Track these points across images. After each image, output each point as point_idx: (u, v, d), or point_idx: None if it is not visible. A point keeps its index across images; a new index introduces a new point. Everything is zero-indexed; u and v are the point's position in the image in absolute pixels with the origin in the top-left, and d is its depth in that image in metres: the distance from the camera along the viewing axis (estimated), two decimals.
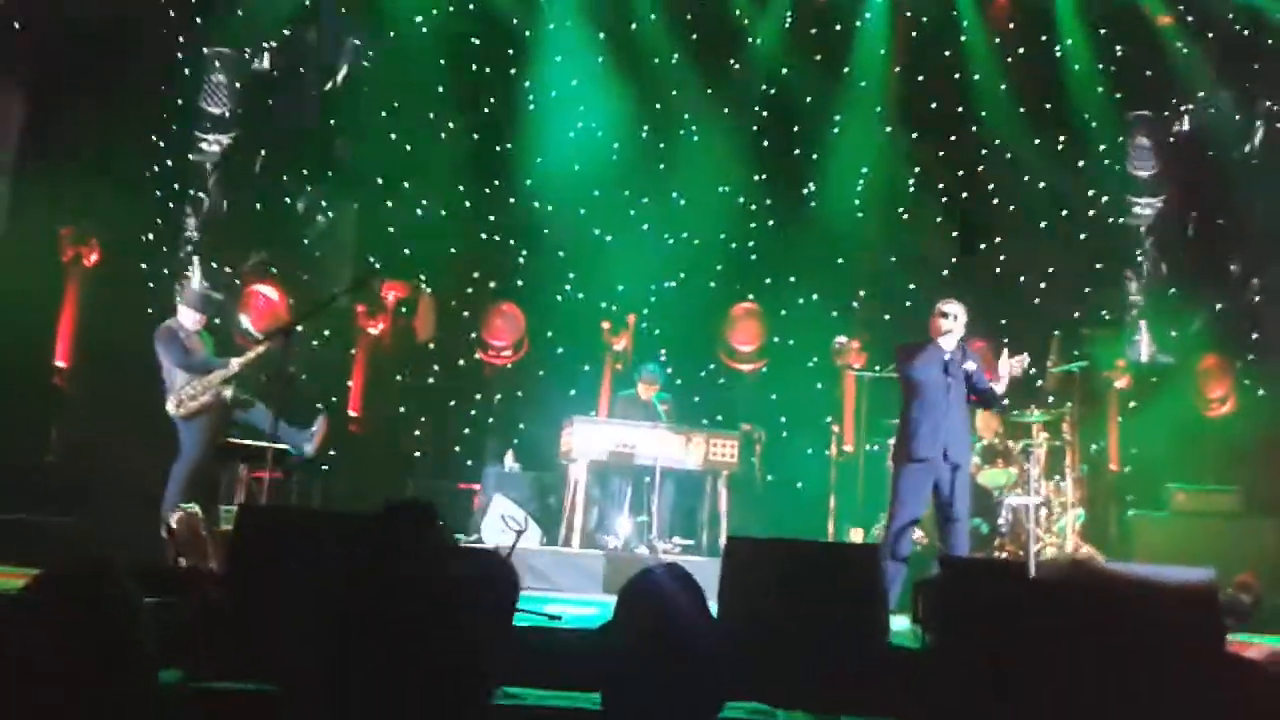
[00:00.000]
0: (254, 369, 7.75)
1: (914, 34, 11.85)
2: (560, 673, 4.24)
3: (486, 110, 11.60)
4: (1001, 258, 11.56)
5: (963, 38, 11.79)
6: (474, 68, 11.57)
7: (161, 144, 10.58)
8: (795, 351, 11.38)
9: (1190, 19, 11.36)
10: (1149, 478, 10.00)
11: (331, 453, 10.27)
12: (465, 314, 11.48)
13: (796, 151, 11.86)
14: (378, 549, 2.42)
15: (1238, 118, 11.33)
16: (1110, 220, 11.66)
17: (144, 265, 10.41)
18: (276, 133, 11.00)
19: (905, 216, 11.60)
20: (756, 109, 11.89)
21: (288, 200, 11.16)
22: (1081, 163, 11.60)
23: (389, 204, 11.26)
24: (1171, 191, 11.53)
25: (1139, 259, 11.62)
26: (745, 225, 11.67)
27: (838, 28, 11.95)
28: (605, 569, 7.74)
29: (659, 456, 8.57)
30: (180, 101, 10.72)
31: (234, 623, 4.38)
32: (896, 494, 6.54)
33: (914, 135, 11.70)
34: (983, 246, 11.38)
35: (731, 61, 11.97)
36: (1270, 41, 11.09)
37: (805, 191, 11.80)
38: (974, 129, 11.70)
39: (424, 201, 11.27)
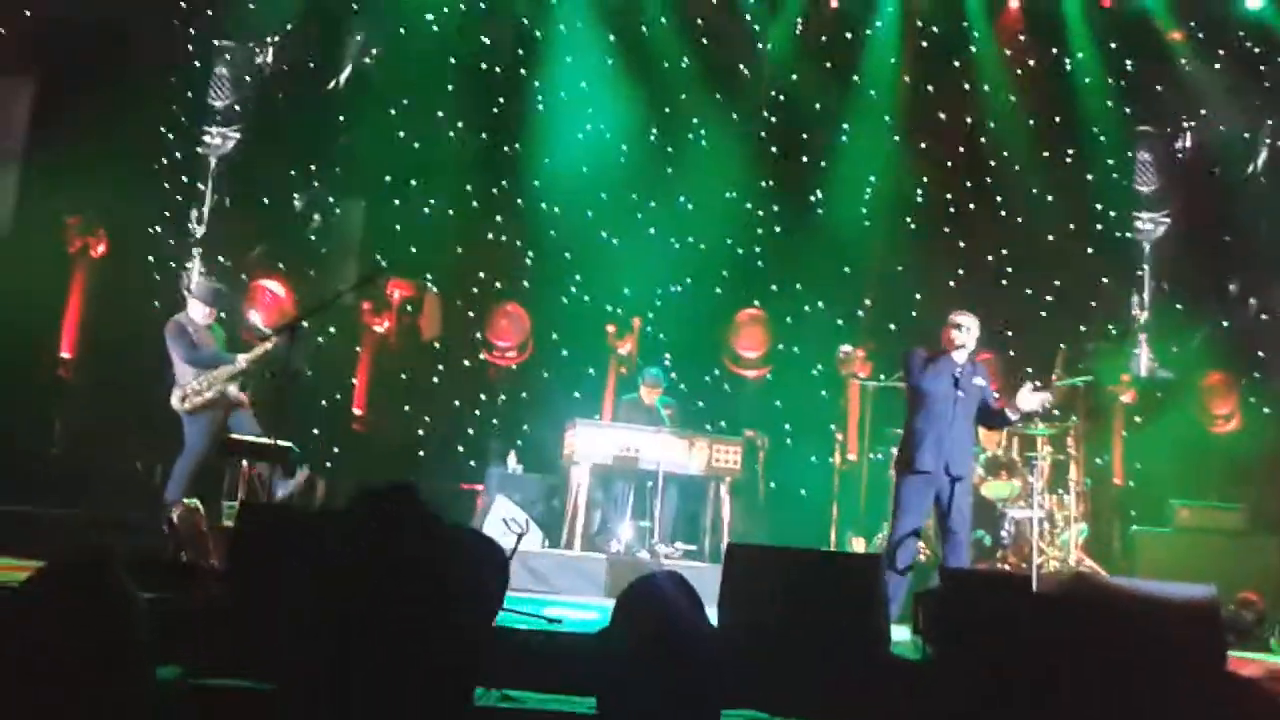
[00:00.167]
0: (261, 365, 7.75)
1: (924, 44, 11.84)
2: (559, 677, 4.24)
3: (495, 110, 11.60)
4: (1008, 269, 11.55)
5: (973, 49, 11.77)
6: (484, 67, 11.58)
7: (170, 136, 10.59)
8: (800, 359, 11.36)
9: (1201, 35, 11.35)
10: (1153, 493, 9.97)
11: (335, 450, 10.27)
12: (470, 314, 11.47)
13: (804, 158, 11.84)
14: (361, 532, 2.42)
15: (1246, 135, 11.32)
16: (1117, 235, 11.64)
17: (151, 258, 10.42)
18: (283, 128, 11.00)
19: (912, 226, 11.58)
20: (765, 115, 11.88)
21: (295, 196, 11.16)
22: (1090, 177, 11.59)
23: (396, 202, 11.26)
24: (1176, 207, 11.52)
25: (1144, 274, 11.61)
26: (752, 231, 11.66)
27: (848, 36, 11.94)
28: (606, 573, 7.72)
29: (662, 461, 8.56)
30: (189, 94, 10.74)
31: (233, 619, 4.38)
32: (898, 504, 6.52)
33: (922, 145, 11.69)
34: (989, 259, 11.39)
35: (741, 67, 11.96)
36: None
37: (812, 199, 11.77)
38: (982, 140, 11.69)
39: (431, 201, 11.27)
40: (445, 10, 11.38)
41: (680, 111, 11.74)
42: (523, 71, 11.67)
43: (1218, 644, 4.99)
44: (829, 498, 9.60)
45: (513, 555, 5.57)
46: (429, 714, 2.36)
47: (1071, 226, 11.46)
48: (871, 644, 4.99)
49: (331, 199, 11.28)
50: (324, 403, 10.59)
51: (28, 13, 9.93)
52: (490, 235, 11.54)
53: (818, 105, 11.82)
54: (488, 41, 11.67)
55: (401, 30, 11.37)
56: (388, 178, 11.34)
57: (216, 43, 10.83)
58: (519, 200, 11.55)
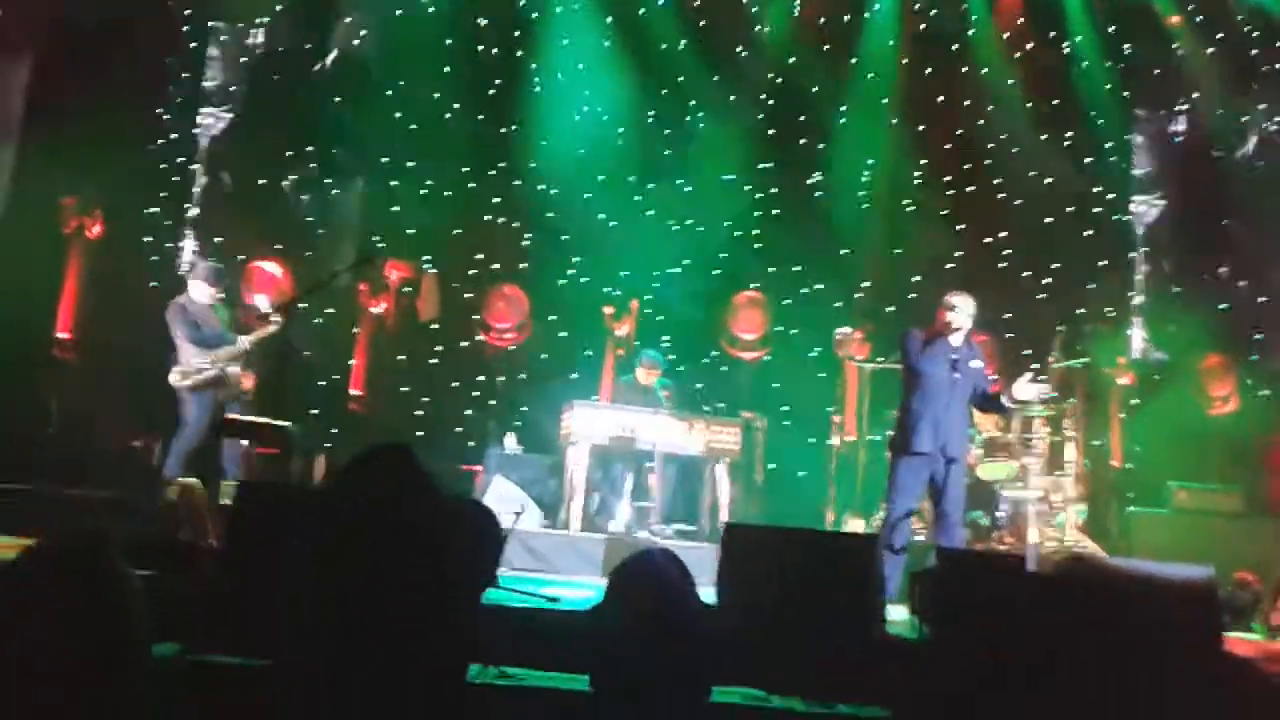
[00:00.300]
0: (263, 347, 7.74)
1: (923, 26, 11.82)
2: (555, 654, 4.25)
3: (493, 92, 11.56)
4: (1006, 252, 11.55)
5: (971, 31, 11.76)
6: (481, 48, 11.54)
7: (165, 117, 10.56)
8: (797, 341, 11.37)
9: (1200, 19, 11.33)
10: (1151, 475, 9.98)
11: (333, 431, 10.28)
12: (468, 295, 11.47)
13: (803, 141, 11.82)
14: (358, 491, 2.41)
15: (1244, 119, 11.32)
16: (1115, 217, 11.64)
17: (146, 239, 10.40)
18: (279, 109, 10.97)
19: (910, 208, 11.57)
20: (763, 97, 11.85)
21: (292, 178, 11.14)
22: (1087, 160, 11.58)
23: (394, 184, 11.24)
24: (1172, 190, 11.52)
25: (1142, 256, 11.62)
26: (750, 213, 11.64)
27: (846, 18, 11.92)
28: (604, 553, 7.73)
29: (659, 442, 8.56)
30: (185, 75, 10.70)
31: (231, 598, 4.38)
32: (894, 485, 6.51)
33: (920, 128, 11.66)
34: (987, 241, 11.39)
35: (739, 49, 11.93)
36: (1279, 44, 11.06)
37: (810, 181, 11.77)
38: (981, 123, 11.68)
39: (429, 182, 11.24)
40: None
41: (678, 93, 11.73)
42: (520, 53, 11.64)
43: (1214, 624, 5.00)
44: (826, 479, 9.62)
45: (509, 535, 5.59)
46: (426, 690, 2.36)
47: (1069, 209, 11.46)
48: (868, 623, 5.00)
49: (329, 180, 11.25)
50: (322, 383, 10.58)
51: None
52: (488, 217, 11.53)
53: (816, 87, 11.80)
54: (484, 23, 11.63)
55: (398, 11, 11.33)
56: (385, 159, 11.32)
57: (211, 24, 10.79)
58: (517, 182, 11.53)
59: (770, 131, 11.81)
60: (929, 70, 11.78)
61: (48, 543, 2.37)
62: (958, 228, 11.45)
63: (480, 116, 11.47)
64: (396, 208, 11.13)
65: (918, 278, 10.89)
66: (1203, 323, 10.77)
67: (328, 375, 10.67)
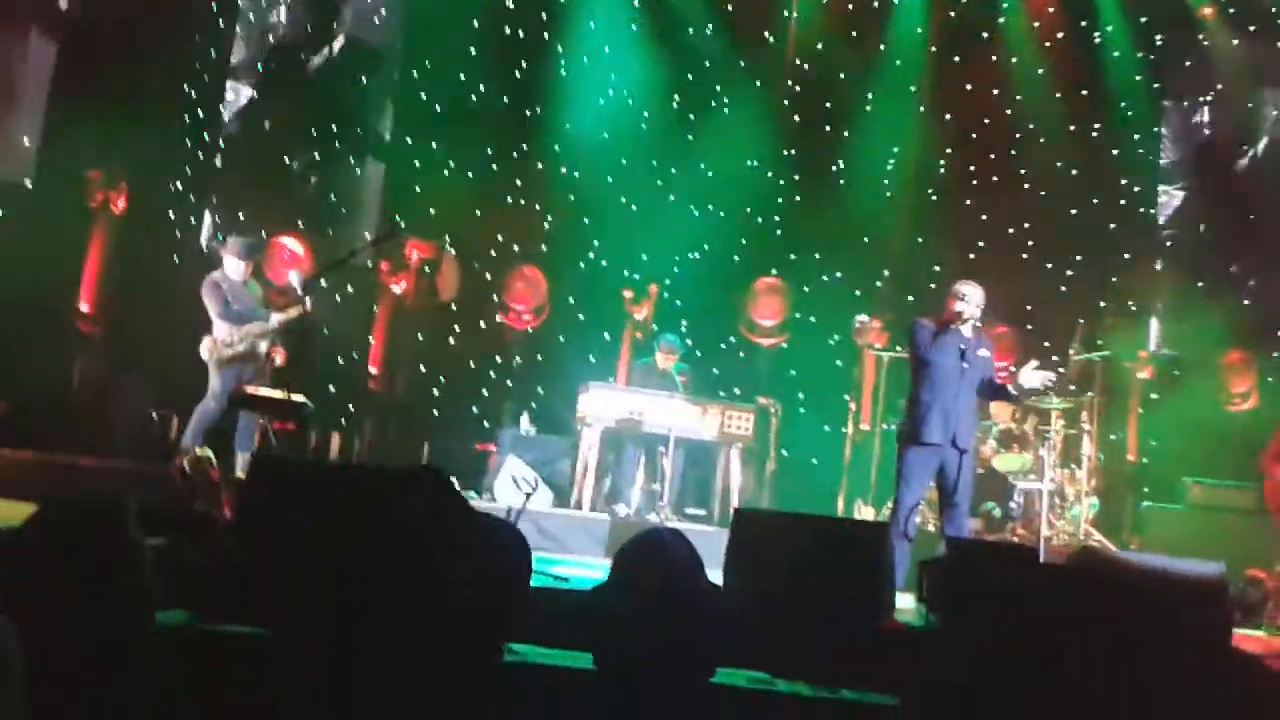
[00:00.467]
0: (292, 324, 7.78)
1: (951, 14, 11.73)
2: (562, 632, 4.27)
3: (517, 74, 11.56)
4: (1029, 243, 11.48)
5: (1001, 20, 11.67)
6: (507, 30, 11.53)
7: (193, 93, 10.61)
8: (816, 328, 11.35)
9: (1232, 10, 11.20)
10: (1166, 470, 9.92)
11: (350, 408, 10.34)
12: (488, 276, 11.49)
13: (827, 128, 11.79)
14: (391, 515, 2.42)
15: (1276, 112, 11.21)
16: (1140, 210, 11.56)
17: (170, 213, 10.46)
18: (303, 86, 11.01)
19: (934, 197, 11.51)
20: (789, 83, 11.81)
21: (315, 155, 11.18)
22: (1115, 151, 11.49)
23: (416, 164, 11.26)
24: (1197, 182, 11.42)
25: (1165, 249, 11.53)
26: (772, 200, 11.63)
27: (874, 4, 11.86)
28: (612, 535, 7.76)
29: (673, 426, 8.57)
30: (211, 51, 10.74)
31: (242, 569, 4.42)
32: (902, 475, 6.47)
33: (947, 116, 11.59)
34: (1010, 232, 11.32)
35: (765, 34, 11.88)
36: None
37: (834, 168, 11.72)
38: (1008, 112, 11.60)
39: (451, 163, 11.26)
40: None
41: (703, 78, 11.70)
42: (545, 35, 11.62)
43: (1224, 621, 4.99)
44: (840, 466, 9.62)
45: (520, 514, 5.61)
46: (432, 673, 2.38)
47: (1095, 201, 11.38)
48: (877, 610, 5.00)
49: (352, 158, 11.29)
50: (340, 360, 10.64)
51: None
52: (509, 198, 11.53)
53: (842, 74, 11.74)
54: (511, 4, 11.61)
55: None
56: (408, 139, 11.34)
57: (240, 2, 10.83)
58: (539, 164, 11.52)
59: (795, 118, 11.78)
60: (957, 58, 11.70)
61: (61, 507, 2.39)
62: (981, 218, 11.39)
63: (505, 98, 11.46)
64: (418, 187, 11.15)
65: (939, 267, 10.85)
66: (1225, 318, 10.68)
67: (346, 352, 10.72)
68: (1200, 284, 11.17)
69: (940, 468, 6.37)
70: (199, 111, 10.71)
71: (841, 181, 11.70)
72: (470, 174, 11.28)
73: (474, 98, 11.35)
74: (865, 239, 11.45)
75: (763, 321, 11.62)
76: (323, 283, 7.76)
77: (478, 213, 11.33)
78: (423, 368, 11.12)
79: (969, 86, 11.64)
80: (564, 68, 11.57)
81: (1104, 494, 9.16)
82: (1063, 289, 11.32)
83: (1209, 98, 11.46)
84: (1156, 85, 11.53)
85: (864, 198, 11.48)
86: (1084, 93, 11.53)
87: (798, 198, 11.61)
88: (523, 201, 11.59)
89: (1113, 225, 11.42)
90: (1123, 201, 11.49)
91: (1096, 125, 11.55)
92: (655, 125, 11.57)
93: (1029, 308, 11.01)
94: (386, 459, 9.71)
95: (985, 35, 11.70)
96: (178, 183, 10.48)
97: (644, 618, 2.64)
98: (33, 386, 8.85)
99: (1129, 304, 11.28)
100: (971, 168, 11.54)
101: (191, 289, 8.11)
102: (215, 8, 10.76)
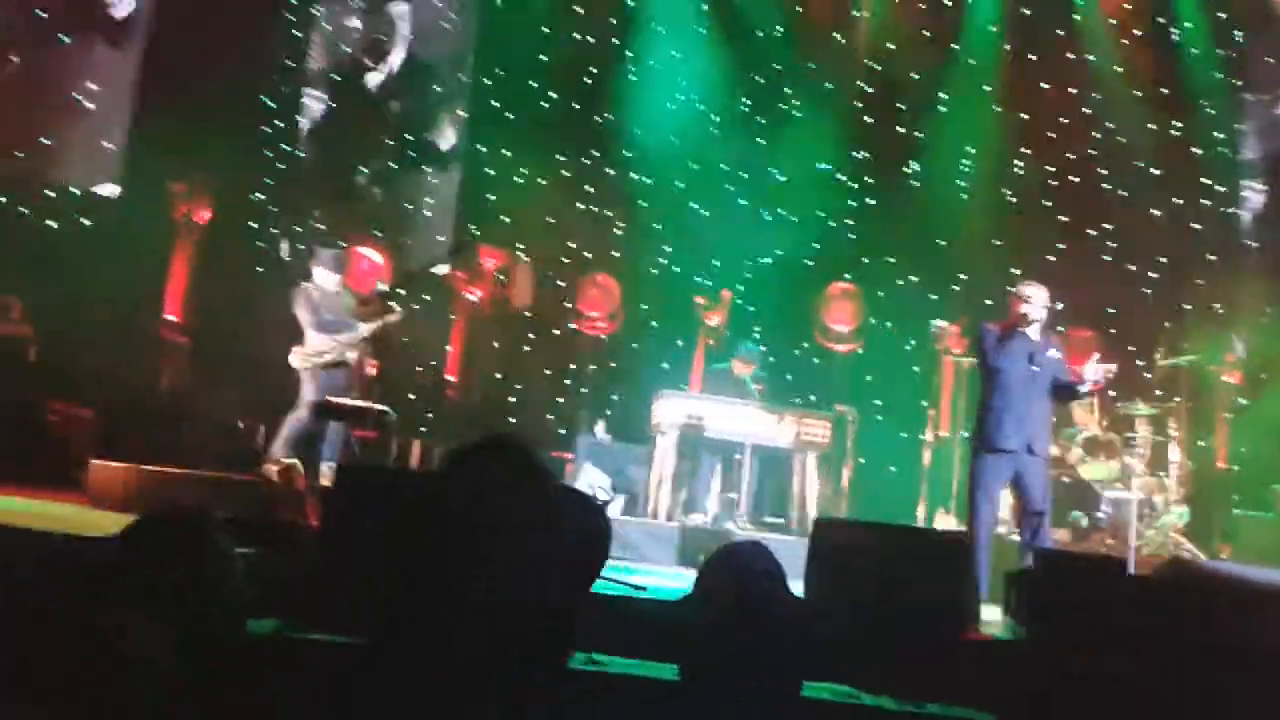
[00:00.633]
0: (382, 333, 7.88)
1: (1026, 11, 11.53)
2: (643, 642, 4.27)
3: (587, 80, 11.61)
4: (1110, 245, 11.23)
5: (1076, 17, 11.45)
6: (576, 37, 11.59)
7: (271, 104, 10.82)
8: (892, 334, 11.22)
9: None
10: (1257, 477, 9.63)
11: (429, 415, 10.46)
12: (561, 284, 11.55)
13: (900, 129, 11.64)
14: (470, 484, 2.42)
15: None
16: (1223, 210, 11.25)
17: (252, 224, 10.67)
18: (369, 99, 11.19)
19: (1011, 199, 11.32)
20: (860, 84, 11.70)
21: (388, 165, 11.34)
22: (1197, 150, 11.20)
23: (490, 172, 11.36)
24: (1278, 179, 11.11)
25: (1251, 249, 11.22)
26: (844, 203, 11.52)
27: (947, 2, 11.70)
28: (691, 543, 7.73)
29: (749, 434, 8.52)
30: (289, 62, 10.95)
31: (328, 578, 4.48)
32: (976, 484, 6.33)
33: (1023, 116, 11.40)
34: (1091, 233, 11.09)
35: (836, 35, 11.79)
36: None
37: (908, 170, 11.58)
38: (1086, 111, 11.36)
39: (524, 170, 11.34)
40: None
41: (772, 81, 11.63)
42: (615, 41, 11.65)
43: None
44: (919, 474, 9.48)
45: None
46: (520, 677, 2.37)
47: (1176, 201, 11.10)
48: (962, 623, 4.93)
49: (426, 167, 11.43)
50: (419, 369, 10.76)
51: None
52: (581, 205, 11.58)
53: (914, 74, 11.60)
54: (580, 10, 11.67)
55: (498, 1, 11.44)
56: (481, 148, 11.44)
57: (314, 11, 11.03)
58: (610, 170, 11.57)
59: (867, 119, 11.66)
60: (1032, 57, 11.49)
61: (151, 518, 2.43)
62: (1060, 219, 11.17)
63: (575, 105, 11.52)
64: (492, 196, 11.24)
65: (1017, 271, 10.65)
66: None
67: (425, 361, 10.84)
68: None
69: (1016, 475, 6.25)
70: (277, 122, 10.92)
71: (915, 184, 11.55)
72: (542, 181, 11.35)
73: (544, 105, 11.43)
74: (940, 242, 11.29)
75: (837, 327, 11.51)
76: (401, 292, 7.84)
77: (550, 220, 11.40)
78: (498, 376, 11.21)
79: (1045, 85, 11.43)
80: (633, 73, 11.60)
81: (1193, 502, 8.92)
82: (1145, 292, 11.05)
83: None
84: (1237, 82, 11.21)
85: (938, 200, 11.32)
86: (1163, 91, 11.26)
87: (870, 201, 11.50)
88: (594, 208, 11.64)
89: (1196, 226, 11.12)
90: (1205, 201, 11.20)
91: (1176, 124, 11.27)
92: (725, 129, 11.54)
93: (1111, 311, 10.77)
94: None
95: (1060, 33, 11.48)
96: (258, 193, 10.70)
97: (731, 630, 2.61)
98: (120, 396, 9.07)
99: (1213, 306, 10.97)
100: (1049, 168, 11.32)
101: (274, 298, 8.25)
102: (293, 18, 10.97)
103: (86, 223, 10.19)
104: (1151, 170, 11.12)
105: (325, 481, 6.69)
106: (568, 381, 11.38)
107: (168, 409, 9.34)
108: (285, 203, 10.88)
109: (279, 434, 7.55)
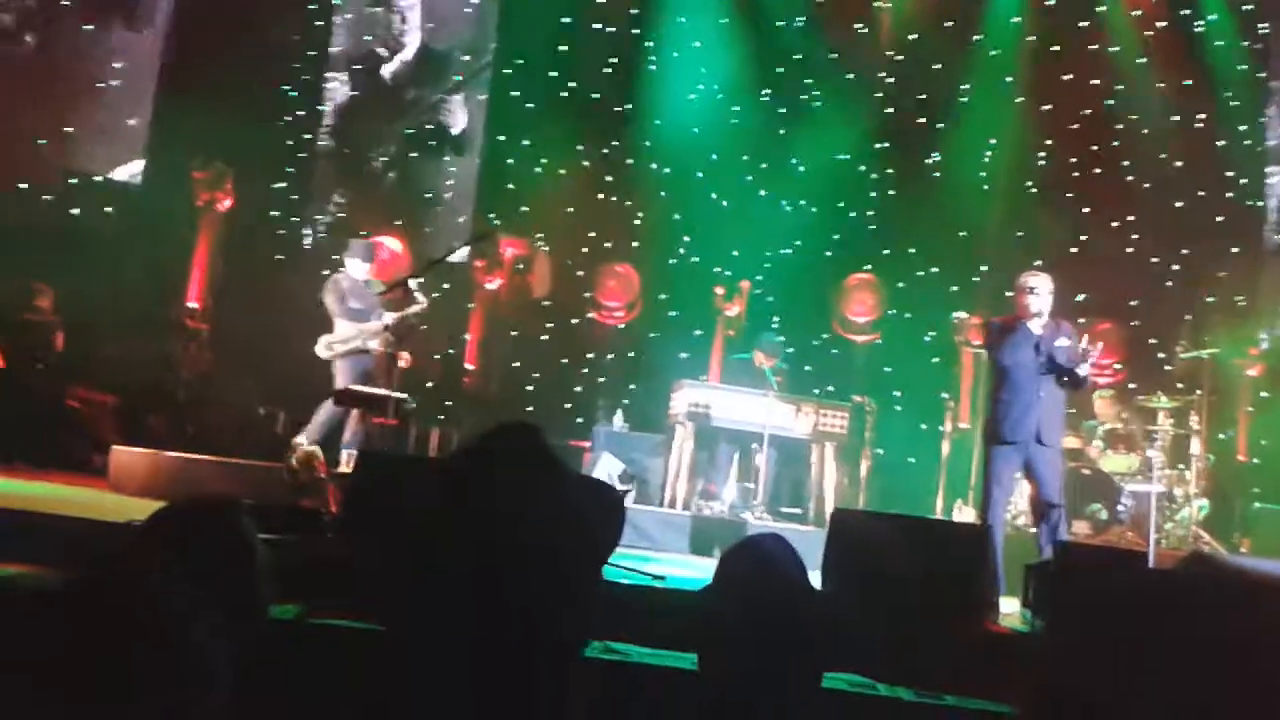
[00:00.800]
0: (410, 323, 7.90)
1: (1049, 2, 11.45)
2: (661, 632, 4.28)
3: (608, 70, 11.59)
4: (1133, 237, 11.16)
5: (1100, 8, 11.35)
6: (597, 26, 11.57)
7: (293, 94, 10.85)
8: (911, 325, 11.17)
9: None
10: (1278, 470, 9.58)
11: (448, 403, 10.49)
12: (580, 273, 11.56)
13: (921, 120, 11.58)
14: (483, 469, 2.44)
15: None
16: (1248, 202, 11.16)
17: (275, 212, 10.71)
18: (385, 88, 11.22)
19: (1033, 190, 11.25)
20: (881, 75, 11.65)
21: (411, 154, 11.36)
22: (1221, 142, 11.11)
23: (509, 162, 11.37)
24: None
25: (1274, 241, 11.13)
26: (865, 194, 11.48)
27: None
28: (707, 532, 7.74)
29: (767, 424, 8.51)
30: (310, 51, 10.98)
31: (349, 564, 4.51)
32: (990, 475, 6.34)
33: (1045, 107, 11.32)
34: (1114, 225, 11.02)
35: (858, 25, 11.73)
36: None
37: (929, 162, 11.53)
38: (1109, 103, 11.28)
39: (543, 160, 11.34)
40: None
41: (794, 71, 11.59)
42: (635, 30, 11.62)
43: None
44: (937, 466, 9.45)
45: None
46: (541, 663, 2.39)
47: (1200, 193, 11.01)
48: (980, 614, 4.92)
49: (446, 157, 11.45)
50: (437, 357, 10.80)
51: None
52: (601, 195, 11.58)
53: (936, 65, 11.53)
54: (602, 0, 11.65)
55: None
56: (501, 137, 11.45)
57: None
58: (630, 160, 11.55)
59: (888, 110, 11.61)
60: (1055, 48, 11.41)
61: (176, 505, 2.46)
62: (1083, 210, 11.10)
63: (596, 95, 11.51)
64: (511, 185, 11.25)
65: (1039, 262, 10.59)
66: None
67: (443, 349, 10.88)
68: None
69: (1028, 466, 6.24)
70: (299, 110, 10.96)
71: (936, 175, 11.50)
72: (562, 171, 11.36)
73: (565, 95, 11.42)
74: (962, 233, 11.24)
75: (856, 318, 11.48)
76: (420, 280, 7.86)
77: (569, 210, 11.40)
78: (517, 364, 11.23)
79: (1068, 77, 11.34)
80: (654, 63, 11.57)
81: (1214, 495, 8.87)
82: (1168, 284, 10.98)
83: None
84: (1262, 73, 11.12)
85: (960, 191, 11.27)
86: (1187, 82, 11.16)
87: (891, 192, 11.45)
88: (614, 198, 11.63)
89: (1219, 218, 11.04)
90: (1229, 194, 11.10)
91: (1200, 115, 11.18)
92: (745, 119, 11.50)
93: (1133, 303, 10.70)
94: None
95: (1084, 24, 11.39)
96: (279, 182, 10.74)
97: (752, 622, 2.63)
98: (142, 383, 9.14)
99: (1237, 299, 10.89)
100: (1072, 160, 11.24)
101: (295, 286, 8.30)
102: (313, 6, 10.99)
103: (109, 210, 10.27)
104: (1174, 162, 11.04)
105: (345, 468, 6.72)
106: (586, 371, 11.39)
107: (189, 396, 9.42)
108: (306, 191, 10.92)
109: (315, 419, 7.59)
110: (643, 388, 10.66)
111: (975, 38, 11.53)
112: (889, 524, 5.39)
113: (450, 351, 10.97)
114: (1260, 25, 11.07)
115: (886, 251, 11.42)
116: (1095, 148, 11.25)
